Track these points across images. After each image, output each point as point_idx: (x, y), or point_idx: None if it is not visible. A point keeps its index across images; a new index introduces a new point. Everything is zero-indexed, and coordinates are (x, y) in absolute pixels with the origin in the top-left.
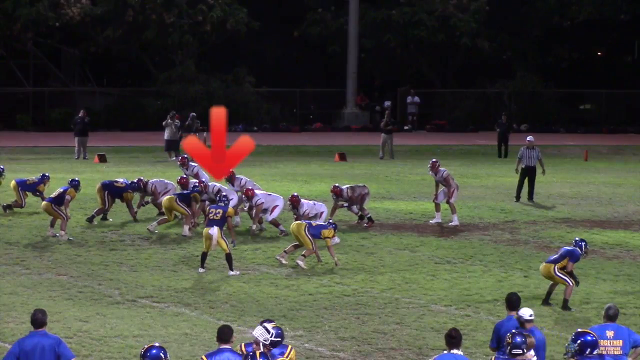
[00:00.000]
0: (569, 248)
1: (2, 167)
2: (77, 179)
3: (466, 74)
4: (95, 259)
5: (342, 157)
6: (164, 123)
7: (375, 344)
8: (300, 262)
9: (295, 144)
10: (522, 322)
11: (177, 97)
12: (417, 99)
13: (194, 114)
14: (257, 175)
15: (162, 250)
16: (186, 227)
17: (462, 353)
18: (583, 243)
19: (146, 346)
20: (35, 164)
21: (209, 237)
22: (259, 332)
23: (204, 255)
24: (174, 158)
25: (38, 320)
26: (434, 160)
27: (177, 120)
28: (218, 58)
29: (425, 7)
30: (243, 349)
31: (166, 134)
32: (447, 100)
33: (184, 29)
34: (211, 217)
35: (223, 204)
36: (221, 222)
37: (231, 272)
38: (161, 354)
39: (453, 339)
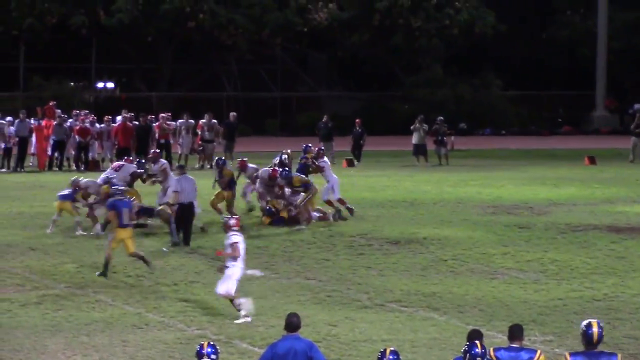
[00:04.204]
0: None
1: (222, 158)
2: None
3: None
4: (344, 263)
5: (592, 160)
6: (412, 127)
7: (626, 349)
8: None
9: (544, 147)
10: None
11: (425, 101)
12: None
13: (441, 118)
14: (505, 179)
15: (411, 254)
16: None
17: None
18: None
19: (383, 350)
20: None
21: None
22: None
23: None
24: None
25: (293, 323)
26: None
27: (424, 125)
28: (465, 61)
29: None
30: (492, 354)
31: (414, 139)
32: None
33: (431, 33)
34: None
35: None
36: None
37: None
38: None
39: None
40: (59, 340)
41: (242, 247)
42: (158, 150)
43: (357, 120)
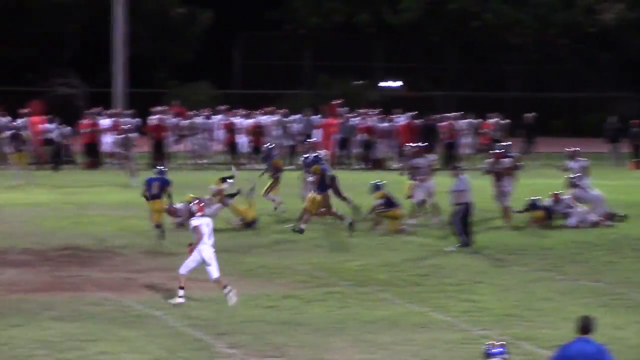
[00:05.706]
0: None
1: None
2: None
3: None
4: (631, 266)
5: None
6: None
7: None
8: None
9: None
10: None
11: None
12: None
13: None
14: None
15: None
16: None
17: None
18: None
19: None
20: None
21: None
22: None
23: None
24: None
25: (585, 326)
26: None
27: None
28: None
29: None
30: None
31: None
32: None
33: None
34: None
35: None
36: None
37: None
38: None
39: None
40: (344, 338)
41: (206, 229)
42: (422, 145)
43: (635, 120)
